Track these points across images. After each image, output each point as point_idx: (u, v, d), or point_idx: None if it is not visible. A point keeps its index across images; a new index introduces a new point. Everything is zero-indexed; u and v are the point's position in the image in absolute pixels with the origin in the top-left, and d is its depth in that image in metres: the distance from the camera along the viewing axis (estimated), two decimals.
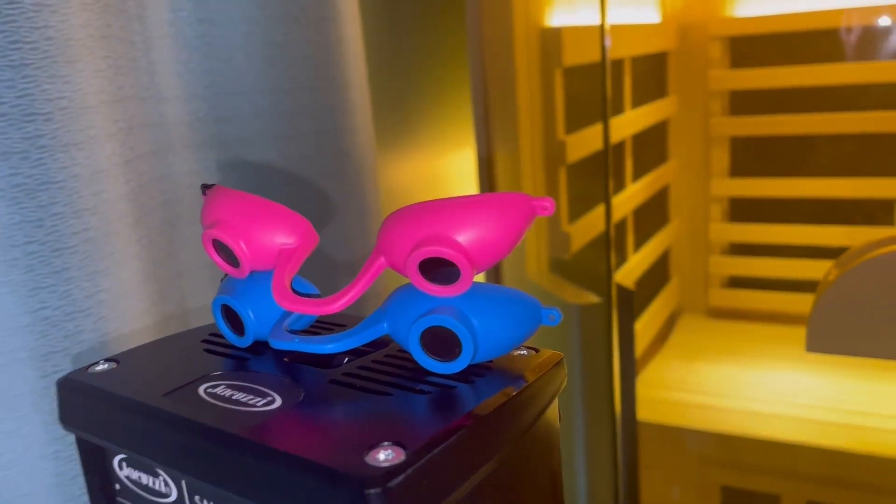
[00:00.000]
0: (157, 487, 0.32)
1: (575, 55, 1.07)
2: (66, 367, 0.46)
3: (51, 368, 0.46)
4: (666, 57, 1.51)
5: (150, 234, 0.54)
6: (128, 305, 0.50)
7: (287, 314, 0.36)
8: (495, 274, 1.01)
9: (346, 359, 0.35)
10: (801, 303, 1.47)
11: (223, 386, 0.33)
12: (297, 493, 0.25)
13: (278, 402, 0.31)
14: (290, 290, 0.34)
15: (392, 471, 0.24)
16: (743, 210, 1.55)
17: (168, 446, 0.29)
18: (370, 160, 0.72)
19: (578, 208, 1.14)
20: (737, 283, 1.58)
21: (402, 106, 0.94)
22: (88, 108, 0.47)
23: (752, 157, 1.53)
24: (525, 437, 0.30)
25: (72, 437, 0.46)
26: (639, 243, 1.41)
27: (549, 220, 1.06)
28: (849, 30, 1.40)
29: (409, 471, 0.24)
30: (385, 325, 0.33)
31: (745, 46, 1.48)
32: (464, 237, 0.29)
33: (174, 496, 0.31)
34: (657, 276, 1.53)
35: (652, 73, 1.46)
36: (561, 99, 1.05)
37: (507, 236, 0.30)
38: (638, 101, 1.36)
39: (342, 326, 0.39)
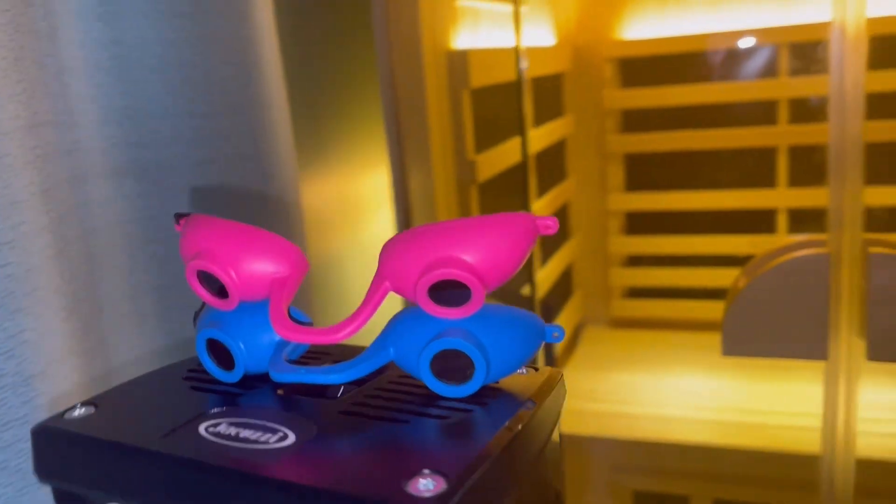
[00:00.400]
0: None
1: (482, 76, 1.09)
2: None
3: None
4: (561, 78, 1.56)
5: (72, 267, 0.50)
6: (51, 344, 0.47)
7: (284, 345, 0.34)
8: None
9: (342, 388, 0.34)
10: (700, 310, 1.55)
11: (224, 424, 0.31)
12: None
13: (292, 437, 0.29)
14: (289, 319, 0.33)
15: (439, 500, 0.24)
16: (639, 223, 1.62)
17: (176, 491, 0.28)
18: (293, 183, 0.71)
19: None
20: (637, 293, 1.65)
21: (314, 127, 0.93)
22: (3, 135, 0.44)
23: (646, 172, 1.61)
24: (541, 456, 0.30)
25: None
26: (544, 259, 1.45)
27: None
28: (730, 51, 1.49)
29: (455, 499, 0.24)
30: (391, 350, 0.32)
31: (635, 67, 1.56)
32: (473, 258, 0.29)
33: None
34: (561, 290, 1.57)
35: (549, 94, 1.50)
36: (470, 120, 1.07)
37: (514, 256, 0.30)
38: (538, 121, 1.40)
39: (328, 354, 0.37)
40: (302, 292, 0.76)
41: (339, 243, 0.95)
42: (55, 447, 0.31)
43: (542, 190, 1.44)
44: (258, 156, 0.67)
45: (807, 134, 1.45)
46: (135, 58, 0.60)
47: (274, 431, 0.30)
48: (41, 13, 0.50)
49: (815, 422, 0.93)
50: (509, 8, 1.27)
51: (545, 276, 1.42)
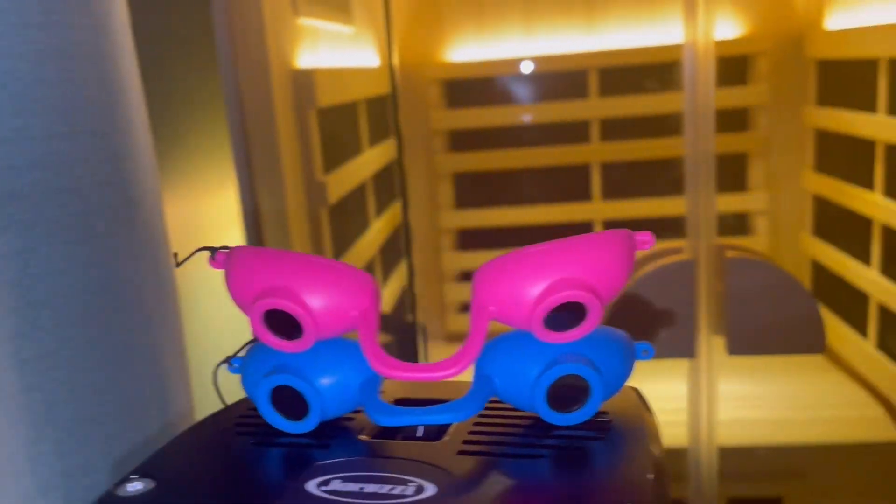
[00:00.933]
0: None
1: (328, 96, 1.08)
2: None
3: None
4: (386, 100, 1.58)
5: None
6: None
7: (373, 385, 0.30)
8: None
9: (420, 430, 0.31)
10: None
11: (337, 481, 0.27)
12: None
13: (431, 487, 0.26)
14: (388, 356, 0.29)
15: None
16: (471, 239, 1.67)
17: None
18: (158, 208, 0.66)
19: (340, 247, 1.14)
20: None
21: (159, 149, 0.86)
22: None
23: (475, 189, 1.67)
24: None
25: None
26: (384, 277, 1.45)
27: None
28: (544, 74, 1.59)
29: None
30: (496, 383, 0.30)
31: (461, 89, 1.61)
32: (590, 278, 0.28)
33: None
34: (398, 306, 1.58)
35: (380, 115, 1.51)
36: (318, 140, 1.05)
37: (623, 273, 0.29)
38: (373, 143, 1.41)
39: (382, 392, 0.33)
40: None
41: (190, 267, 0.89)
42: None
43: (379, 211, 1.45)
44: (124, 182, 0.61)
45: (661, 148, 1.56)
46: None
47: (404, 483, 0.27)
48: None
49: (681, 417, 1.01)
50: (347, 28, 1.27)
51: (387, 295, 1.42)
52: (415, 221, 1.66)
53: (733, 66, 1.59)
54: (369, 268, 1.32)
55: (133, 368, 0.60)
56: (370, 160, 1.36)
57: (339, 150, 1.19)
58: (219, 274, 0.33)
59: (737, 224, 1.66)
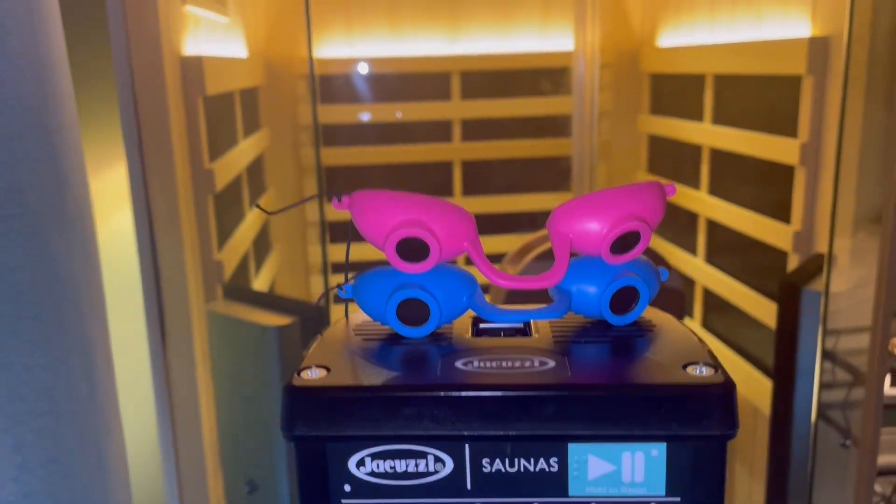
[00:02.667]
0: (419, 469, 0.31)
1: (214, 84, 1.08)
2: None
3: None
4: (257, 92, 1.58)
5: None
6: None
7: (475, 294, 0.38)
8: (160, 310, 0.96)
9: (502, 331, 0.39)
10: None
11: (475, 360, 0.34)
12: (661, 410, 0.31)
13: (550, 362, 0.34)
14: (501, 271, 0.37)
15: (718, 381, 0.33)
16: (337, 232, 1.71)
17: (470, 420, 0.31)
18: (85, 182, 0.66)
19: (222, 234, 1.14)
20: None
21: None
22: None
23: (341, 183, 1.70)
24: None
25: None
26: (257, 269, 1.45)
27: (201, 250, 1.05)
28: (410, 75, 1.66)
29: (727, 380, 0.33)
30: (573, 294, 0.38)
31: (328, 84, 1.64)
32: (644, 214, 0.38)
33: (447, 470, 0.31)
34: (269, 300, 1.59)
35: (249, 108, 1.52)
36: (204, 128, 1.05)
37: (660, 211, 0.39)
38: (246, 134, 1.41)
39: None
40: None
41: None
42: (318, 402, 0.32)
43: (251, 202, 1.45)
44: (53, 156, 0.61)
45: (553, 147, 1.67)
46: None
47: (527, 360, 0.34)
48: None
49: None
50: (223, 19, 1.27)
51: (259, 284, 1.42)
52: (279, 216, 1.67)
53: None
54: (245, 258, 1.33)
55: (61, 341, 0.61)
56: (245, 150, 1.36)
57: (220, 139, 1.19)
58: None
59: None
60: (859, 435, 1.06)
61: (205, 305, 1.00)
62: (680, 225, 1.63)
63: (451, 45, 1.66)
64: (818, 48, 1.16)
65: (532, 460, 0.32)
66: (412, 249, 0.36)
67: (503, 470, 0.32)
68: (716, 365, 0.34)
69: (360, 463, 0.32)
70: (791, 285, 1.02)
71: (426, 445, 0.32)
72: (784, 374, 1.03)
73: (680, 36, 1.61)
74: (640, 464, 0.32)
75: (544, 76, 1.62)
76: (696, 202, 1.53)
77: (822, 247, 1.19)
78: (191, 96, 1.01)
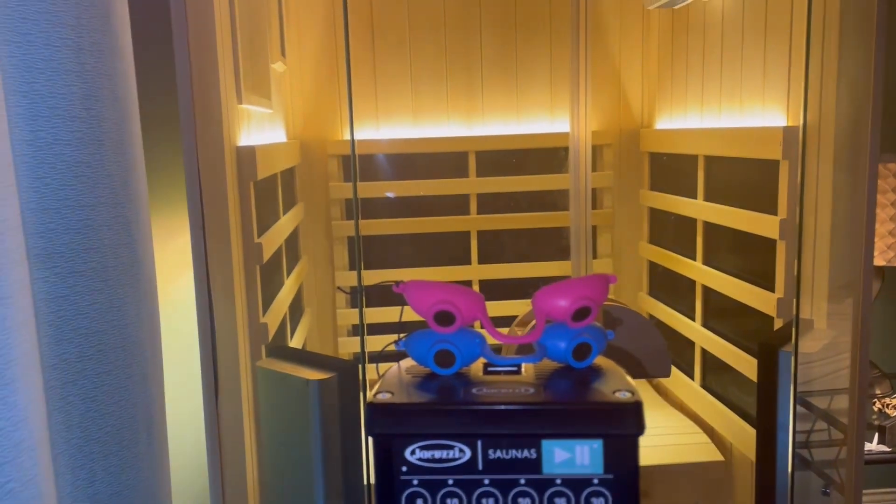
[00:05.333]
0: (450, 456, 0.50)
1: (263, 169, 1.25)
2: None
3: None
4: (294, 170, 1.76)
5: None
6: None
7: (485, 347, 0.57)
8: (215, 367, 1.11)
9: (502, 371, 0.57)
10: None
11: (484, 389, 0.53)
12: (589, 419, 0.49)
13: (532, 389, 0.53)
14: (497, 331, 0.56)
15: (633, 401, 0.51)
16: (366, 297, 1.86)
17: (480, 425, 0.50)
18: (151, 256, 0.82)
19: (267, 299, 1.30)
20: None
21: None
22: None
23: (369, 252, 1.86)
24: None
25: None
26: (291, 333, 1.60)
27: (249, 314, 1.20)
28: (431, 155, 1.84)
29: (640, 403, 0.51)
30: (547, 347, 0.57)
31: (358, 163, 1.82)
32: (593, 295, 0.57)
33: (467, 456, 0.50)
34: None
35: (287, 185, 1.69)
36: (254, 207, 1.22)
37: (604, 294, 0.58)
38: (285, 210, 1.58)
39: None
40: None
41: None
42: (391, 414, 0.51)
43: (288, 270, 1.61)
44: (131, 244, 0.77)
45: (549, 219, 1.83)
46: (43, 157, 0.68)
47: (518, 388, 0.53)
48: None
49: None
50: (268, 110, 1.45)
51: (293, 344, 1.57)
52: (312, 281, 1.82)
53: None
54: (283, 323, 1.48)
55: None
56: (285, 224, 1.53)
57: (265, 214, 1.35)
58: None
59: None
60: (840, 483, 1.17)
61: (252, 362, 1.15)
62: (679, 291, 1.77)
63: (468, 129, 1.84)
64: (792, 136, 1.31)
65: (519, 450, 0.51)
66: (444, 318, 0.55)
67: (502, 457, 0.51)
68: (633, 391, 0.53)
69: (412, 452, 0.52)
70: (770, 346, 1.15)
71: (453, 441, 0.51)
72: (766, 426, 1.15)
73: (675, 120, 1.78)
74: (586, 453, 0.51)
75: (555, 154, 1.79)
76: (693, 270, 1.67)
77: (803, 312, 1.32)
78: (244, 181, 1.18)
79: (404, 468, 0.52)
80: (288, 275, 1.58)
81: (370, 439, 0.53)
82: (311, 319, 1.82)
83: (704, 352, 1.66)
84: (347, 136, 1.81)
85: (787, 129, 1.32)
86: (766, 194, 1.40)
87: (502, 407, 0.51)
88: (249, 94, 1.27)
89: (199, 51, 1.07)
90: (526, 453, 0.51)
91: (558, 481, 0.51)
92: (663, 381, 1.86)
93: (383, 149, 1.82)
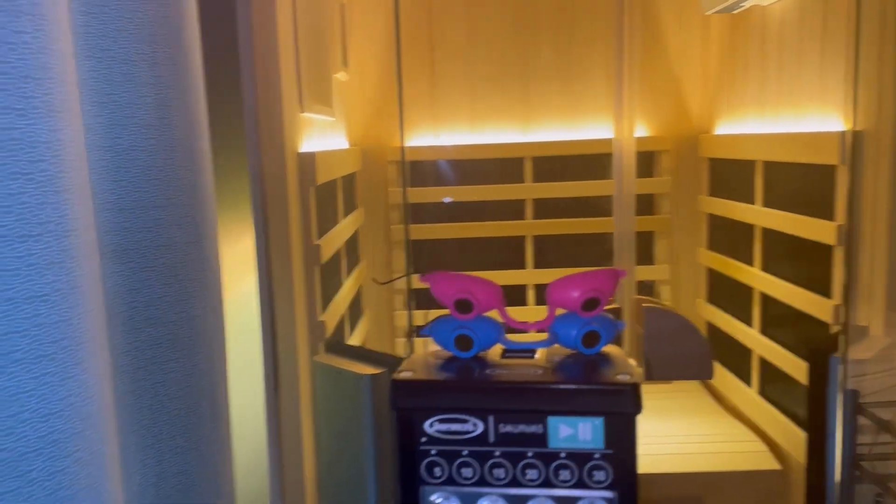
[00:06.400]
0: (464, 429, 0.55)
1: (323, 175, 1.31)
2: None
3: None
4: (354, 176, 1.82)
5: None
6: None
7: (501, 333, 0.61)
8: (274, 359, 1.17)
9: (513, 355, 0.61)
10: None
11: (498, 370, 0.59)
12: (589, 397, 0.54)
13: (542, 371, 0.58)
14: (513, 319, 0.60)
15: (632, 383, 0.55)
16: (422, 299, 1.91)
17: (492, 401, 0.55)
18: (216, 256, 0.87)
19: (326, 298, 1.35)
20: None
21: None
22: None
23: (427, 255, 1.91)
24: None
25: None
26: (350, 331, 1.66)
27: (308, 312, 1.26)
28: (489, 161, 1.88)
29: (637, 386, 0.55)
30: (559, 335, 0.62)
31: (416, 169, 1.87)
32: (603, 287, 0.60)
33: (480, 430, 0.55)
34: None
35: (348, 190, 1.75)
36: (314, 211, 1.28)
37: (613, 286, 0.61)
38: (345, 214, 1.64)
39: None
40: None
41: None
42: (413, 390, 0.57)
43: (347, 272, 1.67)
44: (202, 241, 0.82)
45: (594, 225, 1.85)
46: (120, 162, 0.74)
47: (530, 370, 0.58)
48: None
49: None
50: (330, 118, 1.51)
51: (352, 342, 1.62)
52: (372, 283, 1.88)
53: (644, 161, 1.91)
54: (342, 319, 1.53)
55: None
56: (344, 228, 1.59)
57: (325, 218, 1.41)
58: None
59: (645, 291, 1.96)
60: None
61: (310, 357, 1.20)
62: (737, 298, 1.75)
63: (524, 135, 1.87)
64: (850, 141, 1.30)
65: (527, 425, 0.55)
66: (463, 306, 0.60)
67: (511, 431, 0.55)
68: (632, 373, 0.56)
69: (431, 425, 0.56)
70: (820, 352, 1.14)
71: (467, 415, 0.56)
72: (817, 431, 1.14)
73: (733, 126, 1.77)
74: (588, 428, 0.55)
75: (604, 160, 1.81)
76: (751, 277, 1.66)
77: (860, 319, 1.30)
78: (305, 186, 1.24)
79: (423, 439, 0.57)
80: (347, 276, 1.64)
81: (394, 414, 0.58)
82: (370, 320, 1.87)
83: (762, 359, 1.64)
84: (407, 143, 1.86)
85: (844, 134, 1.31)
86: (823, 200, 1.39)
87: (512, 385, 0.56)
88: (311, 103, 1.33)
89: (263, 63, 1.13)
90: (533, 428, 0.55)
91: (563, 455, 0.56)
92: (720, 388, 1.84)
93: (441, 155, 1.87)
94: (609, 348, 0.64)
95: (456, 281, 0.61)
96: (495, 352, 0.64)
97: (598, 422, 0.55)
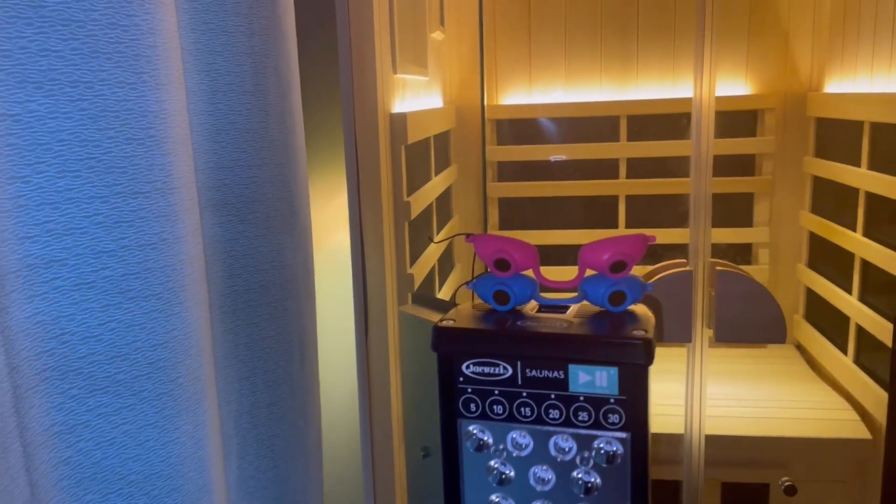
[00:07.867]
0: (496, 371, 0.61)
1: (414, 134, 1.36)
2: None
3: None
4: (449, 134, 1.86)
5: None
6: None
7: (536, 290, 0.67)
8: (365, 311, 1.25)
9: (546, 311, 0.67)
10: None
11: (530, 322, 0.64)
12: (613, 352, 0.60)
13: (569, 324, 0.63)
14: (545, 278, 0.66)
15: (645, 338, 0.59)
16: None
17: (521, 348, 0.61)
18: (308, 211, 0.94)
19: (414, 253, 1.42)
20: None
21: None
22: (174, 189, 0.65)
23: (516, 212, 1.94)
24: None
25: None
26: (440, 286, 1.72)
27: (397, 265, 1.33)
28: (581, 119, 1.88)
29: (651, 341, 0.59)
30: (588, 292, 0.67)
31: (506, 127, 1.90)
32: (631, 251, 0.64)
33: (509, 373, 0.61)
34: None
35: (442, 147, 1.80)
36: (405, 169, 1.33)
37: (641, 250, 0.65)
38: (437, 171, 1.69)
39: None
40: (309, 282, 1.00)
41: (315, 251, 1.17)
42: (453, 336, 0.63)
43: (438, 229, 1.72)
44: (291, 198, 0.89)
45: (669, 186, 1.84)
46: (220, 125, 0.81)
47: (558, 323, 0.63)
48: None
49: (678, 410, 1.26)
50: (423, 78, 1.55)
51: (441, 296, 1.68)
52: (462, 240, 1.93)
53: (746, 120, 1.86)
54: (431, 272, 1.60)
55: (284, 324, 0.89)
56: (435, 186, 1.64)
57: (416, 175, 1.47)
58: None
59: (743, 253, 1.92)
60: None
61: (398, 307, 1.27)
62: (837, 264, 1.69)
63: (621, 93, 1.85)
64: None
65: (550, 371, 0.61)
66: (501, 264, 0.65)
67: (536, 375, 0.61)
68: (648, 329, 0.61)
69: (467, 367, 0.63)
70: None
71: (498, 360, 0.62)
72: None
73: (844, 84, 1.69)
74: (604, 377, 0.60)
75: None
76: (852, 242, 1.60)
77: None
78: (396, 145, 1.30)
79: (461, 379, 0.64)
80: (438, 231, 1.69)
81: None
82: (460, 274, 1.93)
83: (859, 327, 1.59)
84: (501, 101, 1.88)
85: None
86: None
87: (536, 335, 0.62)
88: (405, 64, 1.38)
89: (357, 26, 1.18)
90: (555, 374, 0.61)
91: (581, 398, 0.61)
92: (816, 355, 1.80)
93: (535, 113, 1.88)
94: (636, 307, 0.67)
95: (495, 242, 0.66)
96: (531, 306, 0.70)
97: (613, 371, 0.60)
